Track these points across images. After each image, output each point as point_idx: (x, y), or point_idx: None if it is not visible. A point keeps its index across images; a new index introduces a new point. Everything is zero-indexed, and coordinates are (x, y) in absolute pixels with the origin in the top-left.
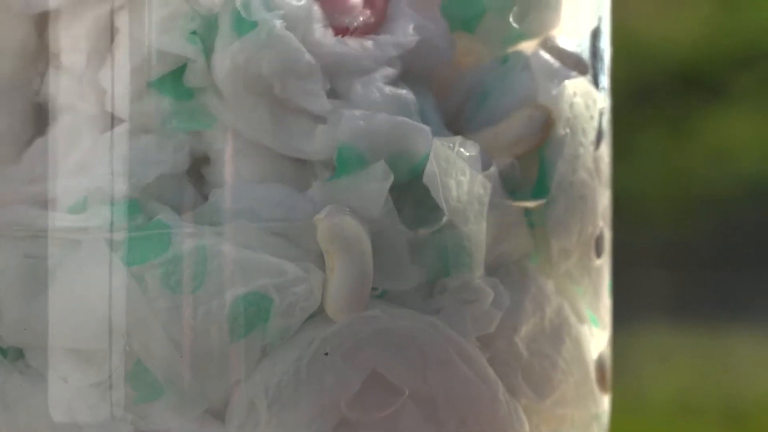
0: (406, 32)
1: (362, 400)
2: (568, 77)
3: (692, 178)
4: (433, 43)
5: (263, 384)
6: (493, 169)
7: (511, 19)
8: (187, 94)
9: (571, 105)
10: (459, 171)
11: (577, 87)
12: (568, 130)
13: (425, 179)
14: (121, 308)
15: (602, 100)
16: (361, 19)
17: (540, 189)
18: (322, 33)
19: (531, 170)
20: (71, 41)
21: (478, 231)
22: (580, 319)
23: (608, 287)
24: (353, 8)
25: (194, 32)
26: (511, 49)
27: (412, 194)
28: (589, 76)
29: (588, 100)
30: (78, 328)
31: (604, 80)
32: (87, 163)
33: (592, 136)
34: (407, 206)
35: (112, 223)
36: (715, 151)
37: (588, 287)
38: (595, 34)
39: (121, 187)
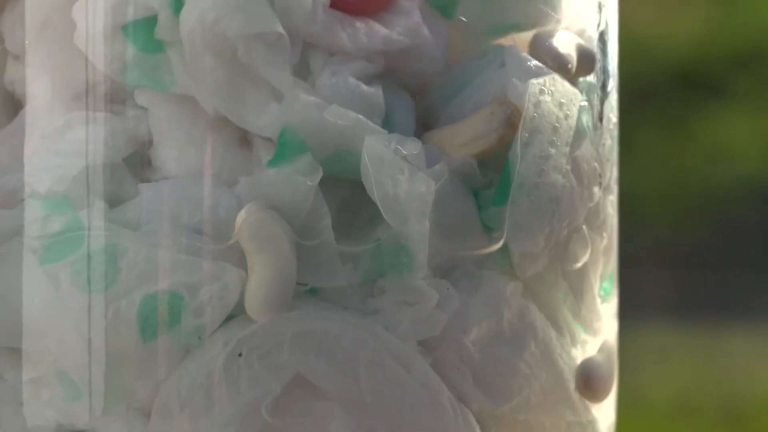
0: (401, 30)
1: (285, 405)
2: (541, 75)
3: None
4: (426, 52)
5: (176, 386)
6: (439, 167)
7: (494, 7)
8: (154, 47)
9: (537, 103)
10: (396, 169)
11: (546, 85)
12: (528, 132)
13: (362, 177)
14: (39, 307)
15: (583, 99)
16: None
17: (501, 190)
18: (311, 4)
19: (499, 170)
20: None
21: (419, 231)
22: (556, 324)
23: (602, 291)
24: None
25: None
26: (497, 41)
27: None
28: (593, 78)
29: (562, 99)
30: (6, 326)
31: (611, 83)
32: (18, 157)
33: (567, 136)
34: (355, 204)
35: (31, 222)
36: (714, 151)
37: (568, 292)
38: (602, 36)
39: (45, 183)
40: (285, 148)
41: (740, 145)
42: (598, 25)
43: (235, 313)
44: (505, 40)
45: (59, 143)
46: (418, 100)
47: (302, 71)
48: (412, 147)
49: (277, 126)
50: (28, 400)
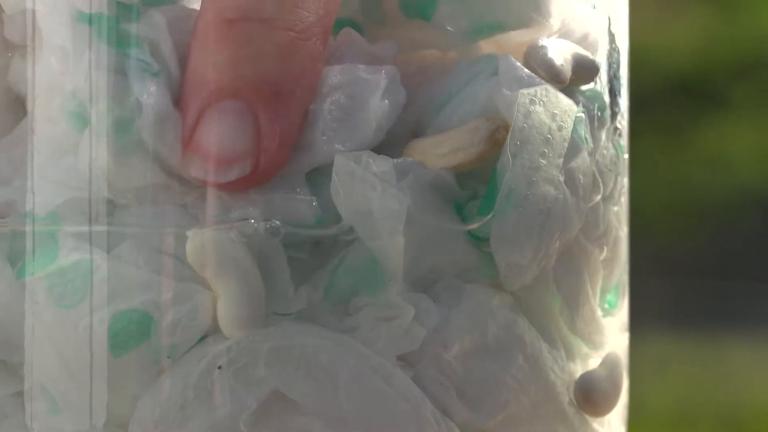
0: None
1: (263, 420)
2: (533, 85)
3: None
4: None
5: (151, 402)
6: (409, 180)
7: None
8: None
9: (528, 114)
10: (368, 186)
11: (538, 95)
12: (517, 142)
13: (332, 195)
14: (18, 320)
15: (579, 111)
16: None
17: (487, 200)
18: None
19: (486, 181)
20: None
21: (392, 246)
22: (549, 337)
23: (606, 303)
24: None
25: None
26: (481, 42)
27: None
28: (597, 86)
29: (555, 110)
30: None
31: (622, 91)
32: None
33: (561, 147)
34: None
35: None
36: (713, 160)
37: (563, 304)
38: (612, 43)
39: (34, 202)
40: None
41: (740, 154)
42: (609, 31)
43: (210, 333)
44: (494, 42)
45: (51, 164)
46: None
47: None
48: (383, 163)
49: None
50: (13, 413)
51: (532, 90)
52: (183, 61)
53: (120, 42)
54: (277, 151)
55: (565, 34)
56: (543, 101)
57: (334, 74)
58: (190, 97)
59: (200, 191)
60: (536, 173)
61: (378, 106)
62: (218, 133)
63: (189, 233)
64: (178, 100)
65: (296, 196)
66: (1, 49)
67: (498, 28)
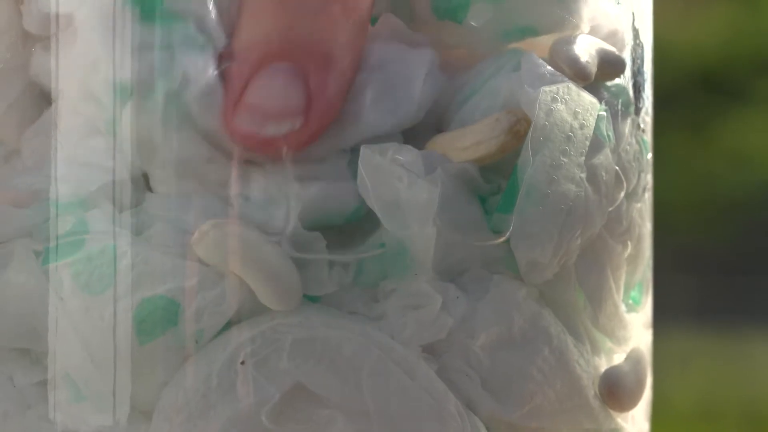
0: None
1: (286, 412)
2: (555, 82)
3: (713, 183)
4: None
5: (175, 390)
6: (436, 173)
7: (507, 11)
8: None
9: (549, 112)
10: (395, 177)
11: (560, 93)
12: (537, 140)
13: (359, 188)
14: (43, 308)
15: (602, 108)
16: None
17: (507, 198)
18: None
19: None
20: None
21: (423, 235)
22: (574, 331)
23: (631, 299)
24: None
25: None
26: (513, 46)
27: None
28: (622, 80)
29: (577, 108)
30: (13, 327)
31: (646, 86)
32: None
33: (583, 145)
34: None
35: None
36: (736, 156)
37: (586, 301)
38: (636, 38)
39: (62, 188)
40: None
41: (762, 149)
42: (633, 27)
43: (237, 320)
44: (524, 45)
45: (79, 149)
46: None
47: None
48: (409, 155)
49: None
50: (36, 403)
51: (554, 87)
52: (229, 33)
53: (164, 18)
54: (325, 112)
55: (592, 31)
56: (565, 99)
57: (380, 50)
58: (241, 62)
59: (242, 169)
60: (557, 171)
61: (421, 85)
62: (270, 91)
63: (197, 231)
64: (223, 72)
65: (336, 184)
66: (23, 42)
67: (530, 31)
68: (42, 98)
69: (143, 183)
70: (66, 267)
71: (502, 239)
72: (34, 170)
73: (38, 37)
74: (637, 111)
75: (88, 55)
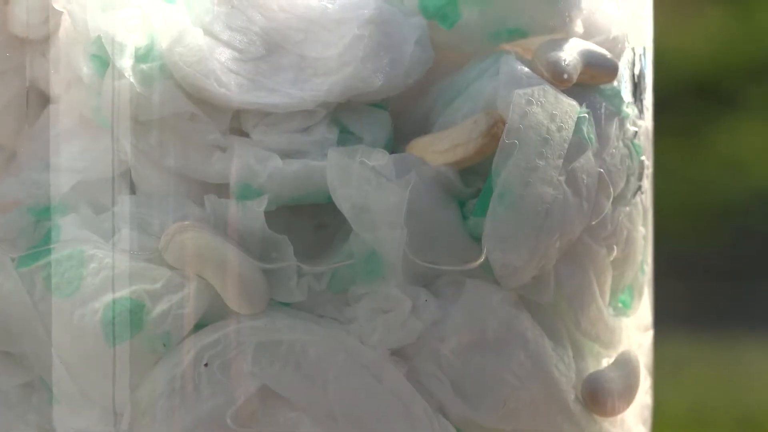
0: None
1: (251, 414)
2: (531, 85)
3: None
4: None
5: (143, 392)
6: (411, 176)
7: (494, 13)
8: None
9: (524, 114)
10: (363, 180)
11: (535, 96)
12: (511, 142)
13: (329, 191)
14: (19, 311)
15: (582, 111)
16: None
17: (482, 201)
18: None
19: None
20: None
21: (392, 239)
22: (555, 335)
23: (620, 303)
24: None
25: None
26: (500, 48)
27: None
28: (617, 84)
29: (554, 110)
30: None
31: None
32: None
33: (561, 148)
34: (334, 221)
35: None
36: (729, 162)
37: (568, 304)
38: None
39: (40, 194)
40: (243, 196)
41: (755, 155)
42: (632, 30)
43: (206, 322)
44: (514, 47)
45: (56, 155)
46: (407, 108)
47: (235, 132)
48: (379, 157)
49: (223, 175)
50: (16, 404)
51: (529, 90)
52: None
53: None
54: None
55: (589, 34)
56: (541, 102)
57: (371, 7)
58: None
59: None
60: (533, 174)
61: (411, 49)
62: None
63: (163, 235)
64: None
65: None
66: (15, 45)
67: (519, 33)
68: (31, 105)
69: (118, 185)
70: (38, 270)
71: (474, 265)
72: (16, 174)
73: (27, 40)
74: (640, 113)
75: (66, 35)
